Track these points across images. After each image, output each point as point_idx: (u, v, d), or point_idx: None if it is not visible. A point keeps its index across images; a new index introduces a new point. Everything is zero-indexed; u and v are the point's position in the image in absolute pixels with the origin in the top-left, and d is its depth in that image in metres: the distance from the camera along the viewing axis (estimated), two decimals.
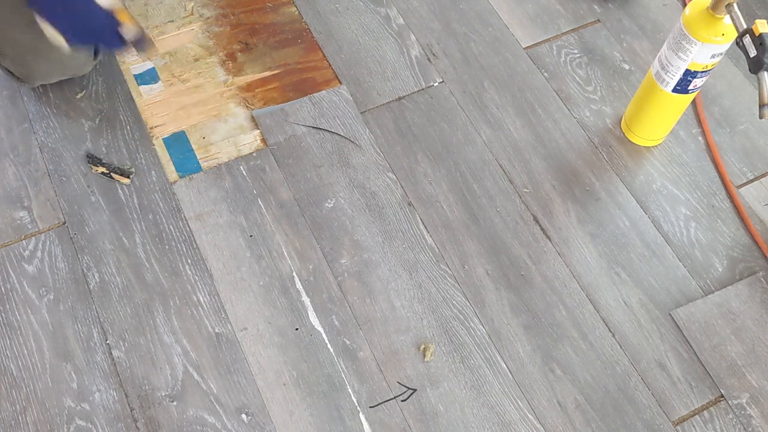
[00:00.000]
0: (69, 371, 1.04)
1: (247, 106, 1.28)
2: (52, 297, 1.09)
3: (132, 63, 1.31)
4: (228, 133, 1.25)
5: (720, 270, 1.16)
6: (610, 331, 1.10)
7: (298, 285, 1.11)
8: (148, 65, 1.31)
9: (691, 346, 1.09)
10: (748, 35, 0.94)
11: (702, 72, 1.10)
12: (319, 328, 1.08)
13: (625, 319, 1.11)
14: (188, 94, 1.28)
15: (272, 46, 1.34)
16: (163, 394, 1.03)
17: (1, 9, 1.10)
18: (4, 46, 1.15)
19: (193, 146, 1.23)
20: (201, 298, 1.10)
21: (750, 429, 1.04)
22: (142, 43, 1.05)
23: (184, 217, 1.16)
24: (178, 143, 1.23)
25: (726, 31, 1.03)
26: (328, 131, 1.25)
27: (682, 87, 1.13)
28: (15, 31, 1.11)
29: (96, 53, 1.23)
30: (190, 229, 1.15)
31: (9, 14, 1.10)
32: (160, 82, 1.29)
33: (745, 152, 1.27)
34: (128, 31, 1.04)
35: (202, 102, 1.28)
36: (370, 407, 1.03)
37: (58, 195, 1.17)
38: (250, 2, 1.40)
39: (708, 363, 1.08)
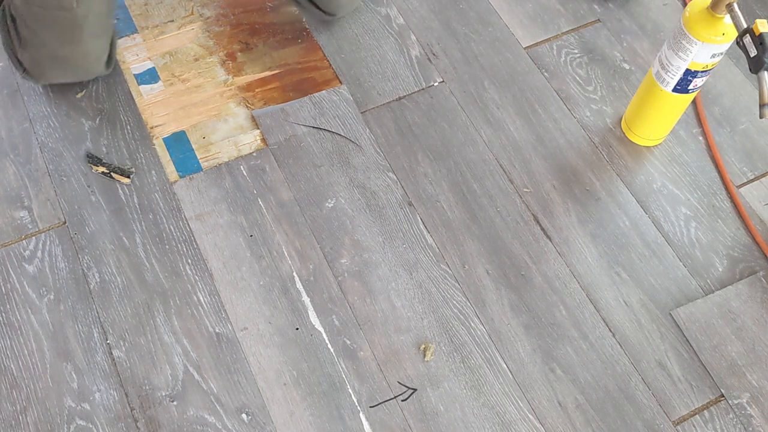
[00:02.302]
0: (69, 371, 1.04)
1: (247, 106, 1.28)
2: (52, 297, 1.09)
3: (132, 63, 1.31)
4: (228, 132, 1.25)
5: (720, 270, 1.16)
6: (611, 331, 1.10)
7: (299, 285, 1.12)
8: (148, 65, 1.31)
9: (691, 345, 1.09)
10: (748, 35, 0.94)
11: (702, 72, 1.10)
12: (320, 328, 1.08)
13: (626, 319, 1.11)
14: (188, 94, 1.28)
15: (272, 46, 1.34)
16: (164, 393, 1.03)
17: (44, 20, 1.12)
18: (29, 43, 1.16)
19: (194, 146, 1.23)
20: (201, 298, 1.10)
21: (750, 429, 1.04)
22: None
23: (185, 216, 1.16)
24: (179, 143, 1.23)
25: (726, 30, 1.03)
26: (329, 131, 1.25)
27: (682, 87, 1.13)
28: (46, 37, 1.14)
29: (109, 60, 1.23)
30: (190, 229, 1.15)
31: (48, 26, 1.12)
32: (160, 81, 1.29)
33: (746, 152, 1.27)
34: None
35: (203, 102, 1.28)
36: (371, 407, 1.03)
37: (59, 195, 1.17)
38: (250, 2, 1.40)
39: (708, 363, 1.08)
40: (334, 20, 1.37)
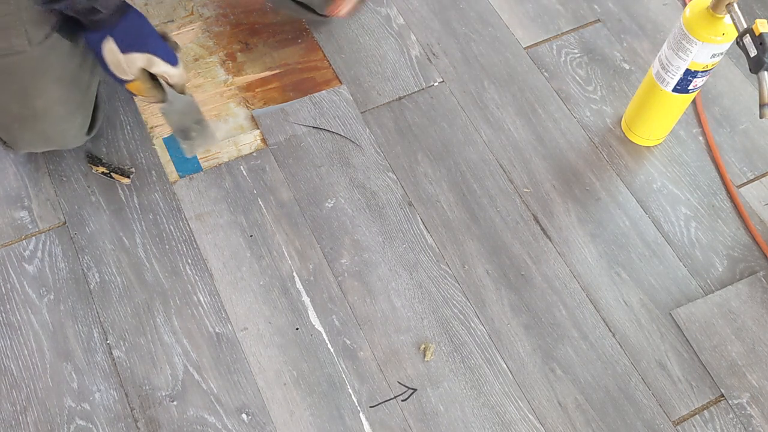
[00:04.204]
0: (69, 371, 1.04)
1: (247, 106, 1.28)
2: (52, 297, 1.09)
3: None
4: (228, 132, 1.25)
5: (720, 270, 1.16)
6: (611, 331, 1.10)
7: (299, 285, 1.12)
8: None
9: (691, 345, 1.09)
10: (748, 35, 0.94)
11: (702, 72, 1.10)
12: (320, 328, 1.08)
13: (626, 319, 1.11)
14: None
15: (272, 46, 1.34)
16: (164, 393, 1.03)
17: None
18: None
19: None
20: (201, 298, 1.10)
21: (750, 429, 1.04)
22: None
23: (185, 217, 1.16)
24: (179, 143, 1.23)
25: (726, 30, 1.03)
26: (329, 131, 1.25)
27: (682, 87, 1.13)
28: (5, 96, 1.06)
29: (91, 127, 1.17)
30: (190, 229, 1.15)
31: (4, 79, 1.04)
32: None
33: (746, 152, 1.27)
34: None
35: (203, 102, 1.27)
36: (371, 407, 1.03)
37: (59, 195, 1.17)
38: (250, 2, 1.39)
39: (708, 363, 1.08)
40: (334, 20, 1.37)
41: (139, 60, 1.03)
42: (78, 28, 1.03)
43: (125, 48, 1.01)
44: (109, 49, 1.02)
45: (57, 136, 1.13)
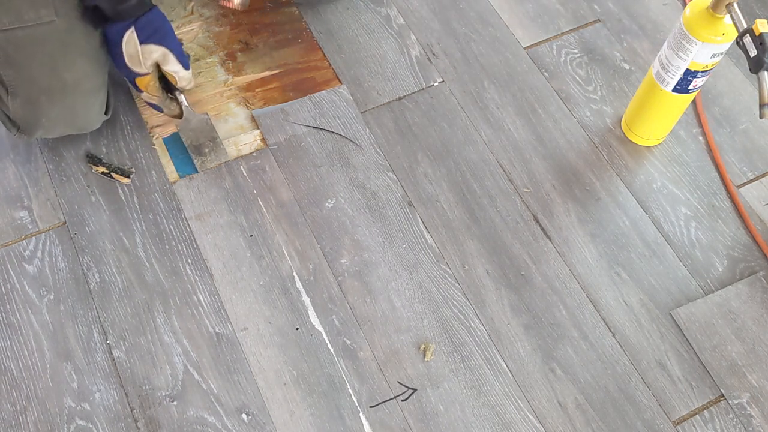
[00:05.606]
0: (69, 371, 1.04)
1: (247, 106, 1.28)
2: (52, 297, 1.09)
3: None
4: (228, 132, 1.25)
5: (720, 270, 1.16)
6: (611, 331, 1.10)
7: (299, 285, 1.12)
8: None
9: (691, 345, 1.09)
10: (748, 35, 0.94)
11: (702, 72, 1.10)
12: (320, 328, 1.08)
13: (626, 319, 1.11)
14: (188, 94, 1.28)
15: (272, 46, 1.34)
16: (164, 393, 1.03)
17: (26, 44, 1.04)
18: (18, 86, 1.08)
19: None
20: (201, 298, 1.10)
21: (750, 429, 1.04)
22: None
23: (185, 217, 1.16)
24: (179, 143, 1.23)
25: (726, 30, 1.03)
26: (329, 131, 1.25)
27: (682, 87, 1.13)
28: (34, 68, 1.06)
29: (107, 109, 1.18)
30: (190, 229, 1.15)
31: (32, 50, 1.05)
32: None
33: (746, 152, 1.27)
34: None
35: (203, 102, 1.28)
36: (371, 407, 1.03)
37: (59, 195, 1.17)
38: (250, 2, 1.39)
39: (708, 363, 1.08)
40: (334, 19, 1.37)
41: (155, 52, 1.09)
42: (101, 20, 1.08)
43: (144, 39, 1.07)
44: (129, 39, 1.08)
45: (83, 111, 1.14)
